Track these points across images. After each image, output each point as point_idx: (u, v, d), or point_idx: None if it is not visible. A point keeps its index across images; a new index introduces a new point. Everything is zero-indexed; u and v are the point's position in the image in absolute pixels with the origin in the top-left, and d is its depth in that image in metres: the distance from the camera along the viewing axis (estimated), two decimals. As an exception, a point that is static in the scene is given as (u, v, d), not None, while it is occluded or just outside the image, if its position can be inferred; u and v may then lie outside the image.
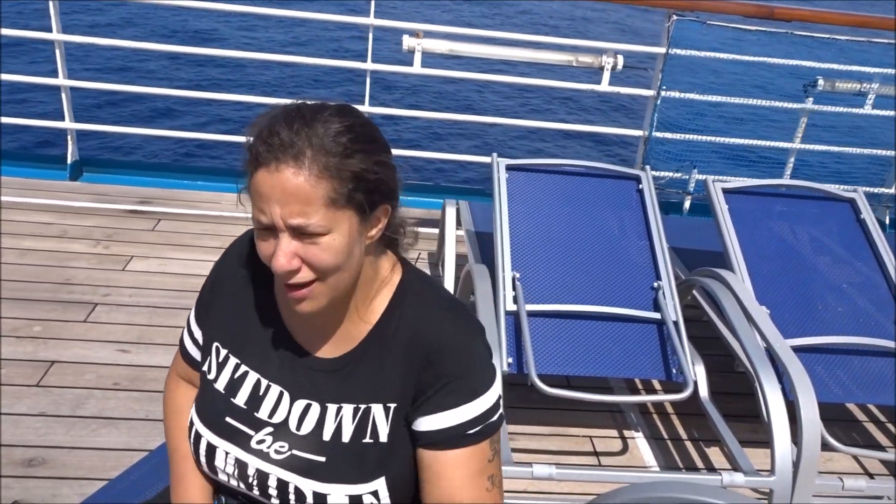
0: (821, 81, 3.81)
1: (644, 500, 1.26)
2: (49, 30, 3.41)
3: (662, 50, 3.71)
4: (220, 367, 1.08)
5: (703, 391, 2.09)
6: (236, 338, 1.08)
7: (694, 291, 2.56)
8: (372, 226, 0.97)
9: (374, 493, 0.99)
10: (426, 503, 1.00)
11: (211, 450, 1.05)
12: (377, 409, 1.00)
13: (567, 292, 2.23)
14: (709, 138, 3.96)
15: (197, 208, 3.52)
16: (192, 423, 1.08)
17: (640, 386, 2.58)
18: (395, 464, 1.00)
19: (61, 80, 3.54)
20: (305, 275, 0.92)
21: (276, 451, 1.01)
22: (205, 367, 1.10)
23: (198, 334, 1.14)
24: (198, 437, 1.06)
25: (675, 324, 2.17)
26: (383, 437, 1.00)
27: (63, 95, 3.60)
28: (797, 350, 2.04)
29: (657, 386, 2.56)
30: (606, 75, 3.79)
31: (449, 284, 2.70)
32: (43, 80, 3.72)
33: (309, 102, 0.96)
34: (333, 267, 0.93)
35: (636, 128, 4.03)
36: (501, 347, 2.03)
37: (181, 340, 1.18)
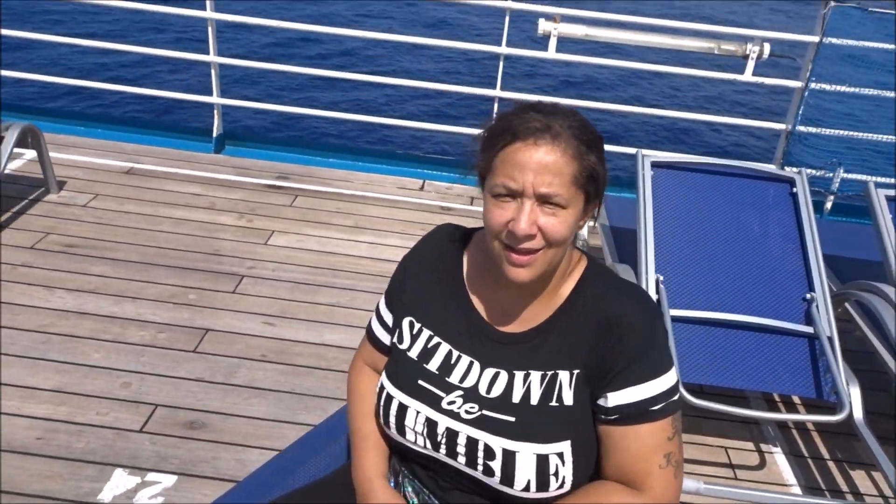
0: None
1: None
2: (203, 8, 3.59)
3: (815, 38, 3.49)
4: (414, 338, 1.17)
5: (858, 412, 1.98)
6: (429, 315, 1.18)
7: (847, 306, 2.43)
8: (586, 214, 1.07)
9: (560, 455, 1.04)
10: (607, 473, 1.08)
11: (402, 409, 1.12)
12: (563, 375, 1.07)
13: (712, 299, 2.16)
14: (861, 134, 3.71)
15: (330, 185, 3.64)
16: (382, 388, 1.17)
17: (777, 400, 2.48)
18: (579, 428, 1.06)
19: (212, 57, 3.73)
20: (536, 243, 1.02)
21: (467, 412, 1.09)
22: (394, 340, 1.20)
23: (388, 318, 1.24)
24: (389, 398, 1.14)
25: (830, 339, 2.06)
26: (568, 401, 1.06)
27: (213, 72, 3.80)
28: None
29: (796, 400, 2.46)
30: (751, 64, 3.61)
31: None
32: (195, 55, 3.92)
33: (544, 101, 1.10)
34: (562, 240, 1.03)
35: (775, 121, 3.82)
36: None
37: (369, 328, 1.29)
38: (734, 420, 2.36)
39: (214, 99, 3.85)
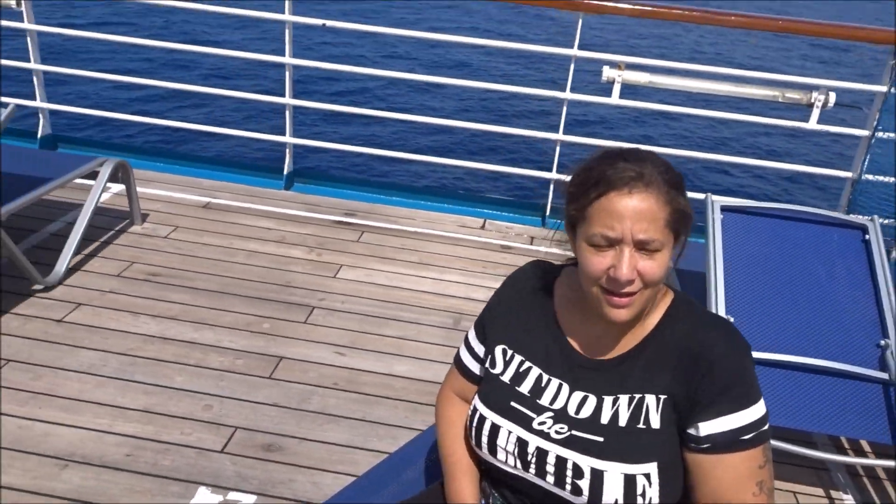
0: None
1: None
2: (282, 54, 3.80)
3: (884, 88, 3.50)
4: (507, 363, 1.24)
5: (935, 462, 1.95)
6: (522, 343, 1.25)
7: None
8: (679, 252, 1.14)
9: (647, 476, 1.08)
10: (697, 503, 1.11)
11: (494, 429, 1.19)
12: (650, 399, 1.13)
13: (783, 342, 2.17)
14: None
15: (395, 223, 3.76)
16: (475, 410, 1.23)
17: (847, 447, 2.45)
18: (665, 451, 1.11)
19: (287, 100, 3.92)
20: (635, 286, 1.08)
21: (556, 432, 1.14)
22: (487, 366, 1.27)
23: (478, 349, 1.32)
24: (482, 419, 1.21)
25: (905, 387, 2.05)
26: (655, 425, 1.11)
27: (287, 113, 3.99)
28: None
29: (867, 448, 2.42)
30: (816, 112, 3.63)
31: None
32: (270, 98, 4.13)
33: (625, 146, 1.17)
34: (659, 280, 1.09)
35: (843, 169, 3.81)
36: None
37: (457, 359, 1.37)
38: (803, 465, 2.34)
39: (287, 139, 4.03)
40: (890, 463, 1.97)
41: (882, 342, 2.17)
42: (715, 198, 2.47)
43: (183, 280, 3.02)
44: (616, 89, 3.63)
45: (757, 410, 1.09)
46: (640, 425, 1.11)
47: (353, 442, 2.24)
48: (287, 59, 3.79)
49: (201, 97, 7.54)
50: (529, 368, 1.22)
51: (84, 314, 2.72)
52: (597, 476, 1.09)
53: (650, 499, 1.08)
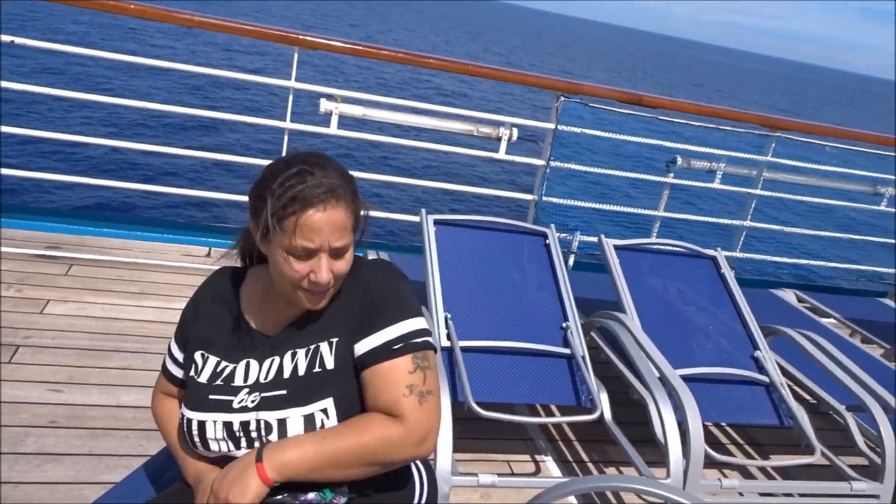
0: (679, 159, 4.47)
1: (585, 489, 1.56)
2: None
3: (552, 125, 4.22)
4: (204, 366, 1.33)
5: (608, 414, 2.43)
6: (216, 345, 1.34)
7: (592, 333, 2.95)
8: (357, 237, 1.30)
9: (324, 411, 1.23)
10: (367, 407, 1.25)
11: (201, 426, 1.26)
12: (324, 346, 1.27)
13: (491, 330, 2.53)
14: (589, 204, 4.49)
15: (108, 254, 3.52)
16: (182, 416, 1.29)
17: (553, 411, 2.90)
18: (341, 386, 1.24)
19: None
20: (332, 283, 1.24)
21: (252, 402, 1.26)
22: (191, 373, 1.34)
23: (178, 355, 1.40)
24: (189, 422, 1.27)
25: (583, 358, 2.52)
26: (330, 365, 1.26)
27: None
28: (683, 378, 2.44)
29: (566, 411, 2.90)
30: (503, 145, 4.24)
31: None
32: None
33: (303, 151, 1.26)
34: (344, 275, 1.26)
35: (528, 192, 4.48)
36: (444, 380, 2.28)
37: (163, 365, 1.45)
38: (515, 438, 2.72)
39: (-30, 165, 3.56)
40: (579, 417, 2.39)
41: (564, 324, 2.64)
42: (429, 214, 2.80)
43: None
44: (334, 120, 3.86)
45: (408, 325, 1.25)
46: (317, 369, 1.25)
47: (80, 478, 2.08)
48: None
49: None
50: (225, 367, 1.31)
51: None
52: (282, 424, 1.22)
53: None
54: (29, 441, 2.18)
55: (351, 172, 1.30)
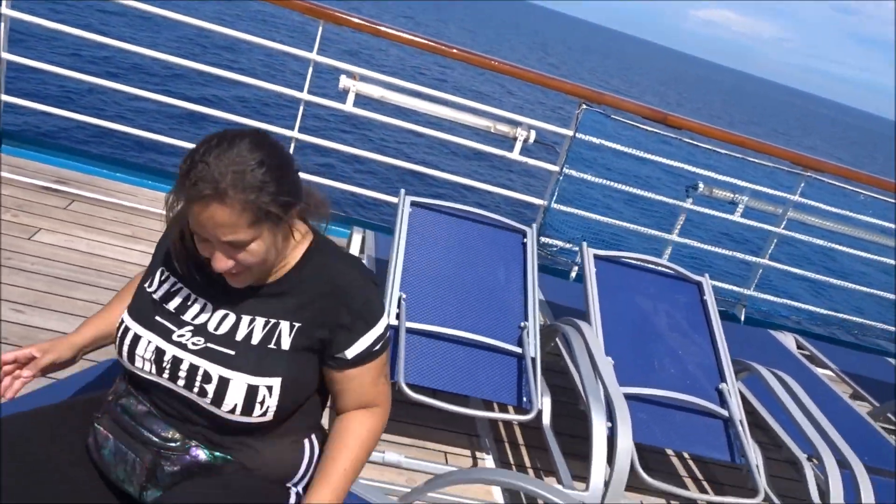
0: (701, 185, 4.35)
1: (473, 480, 1.53)
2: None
3: (570, 133, 4.16)
4: (161, 283, 1.35)
5: (546, 419, 2.38)
6: (179, 270, 1.34)
7: (557, 340, 2.89)
8: (288, 224, 1.25)
9: (269, 388, 1.25)
10: (347, 405, 1.35)
11: (135, 339, 1.28)
12: (284, 325, 1.28)
13: (445, 317, 2.50)
14: (599, 217, 4.40)
15: (113, 196, 3.62)
16: (122, 322, 1.32)
17: (495, 409, 2.85)
18: (290, 371, 1.27)
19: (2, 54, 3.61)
20: (238, 268, 1.22)
21: (193, 344, 1.27)
22: (146, 284, 1.36)
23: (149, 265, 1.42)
24: (126, 330, 1.30)
25: (533, 360, 2.47)
26: (285, 347, 1.27)
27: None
28: (628, 397, 2.37)
29: (509, 410, 2.85)
30: (518, 145, 4.19)
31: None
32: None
33: (230, 133, 1.18)
34: (259, 263, 1.23)
35: (537, 197, 4.43)
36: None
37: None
38: (459, 432, 2.68)
39: (-3, 94, 3.70)
40: (515, 416, 2.35)
41: (522, 324, 2.59)
42: (408, 196, 2.78)
43: None
44: (350, 98, 3.88)
45: (381, 325, 1.34)
46: (272, 345, 1.27)
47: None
48: (4, 10, 3.51)
49: None
50: (180, 289, 1.33)
51: None
52: (223, 382, 1.23)
53: (268, 407, 1.26)
54: (-25, 353, 2.25)
55: (290, 154, 1.25)
